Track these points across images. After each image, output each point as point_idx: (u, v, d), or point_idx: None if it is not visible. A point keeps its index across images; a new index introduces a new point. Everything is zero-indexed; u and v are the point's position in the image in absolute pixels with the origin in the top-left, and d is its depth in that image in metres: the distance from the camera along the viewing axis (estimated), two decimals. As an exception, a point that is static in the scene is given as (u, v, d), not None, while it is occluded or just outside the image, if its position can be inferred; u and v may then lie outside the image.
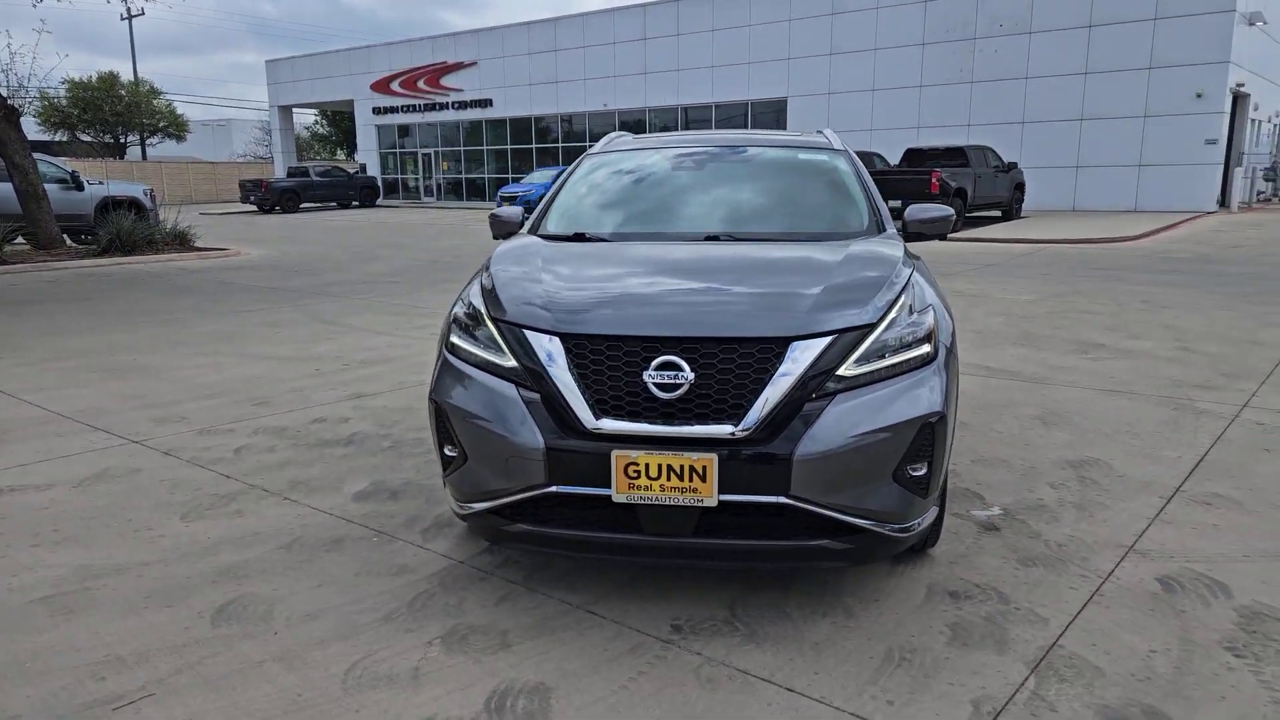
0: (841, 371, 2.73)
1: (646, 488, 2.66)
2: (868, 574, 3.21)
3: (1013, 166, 23.40)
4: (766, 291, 2.96)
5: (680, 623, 2.90)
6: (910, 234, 3.95)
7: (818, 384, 2.69)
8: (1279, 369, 6.41)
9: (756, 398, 2.66)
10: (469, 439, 2.90)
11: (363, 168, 43.16)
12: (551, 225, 4.07)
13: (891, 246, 3.46)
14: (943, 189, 18.68)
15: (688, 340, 2.73)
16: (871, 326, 2.82)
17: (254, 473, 4.42)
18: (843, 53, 29.37)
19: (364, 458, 4.65)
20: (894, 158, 24.71)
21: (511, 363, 2.89)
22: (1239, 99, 26.46)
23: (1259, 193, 29.59)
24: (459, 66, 38.93)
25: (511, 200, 28.26)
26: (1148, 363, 6.72)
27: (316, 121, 56.75)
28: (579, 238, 3.81)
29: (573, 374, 2.77)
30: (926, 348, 2.89)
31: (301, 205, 35.29)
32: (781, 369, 2.68)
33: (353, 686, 2.55)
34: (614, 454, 2.66)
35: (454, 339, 3.13)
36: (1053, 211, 25.87)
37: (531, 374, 2.83)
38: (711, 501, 2.64)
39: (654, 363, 2.71)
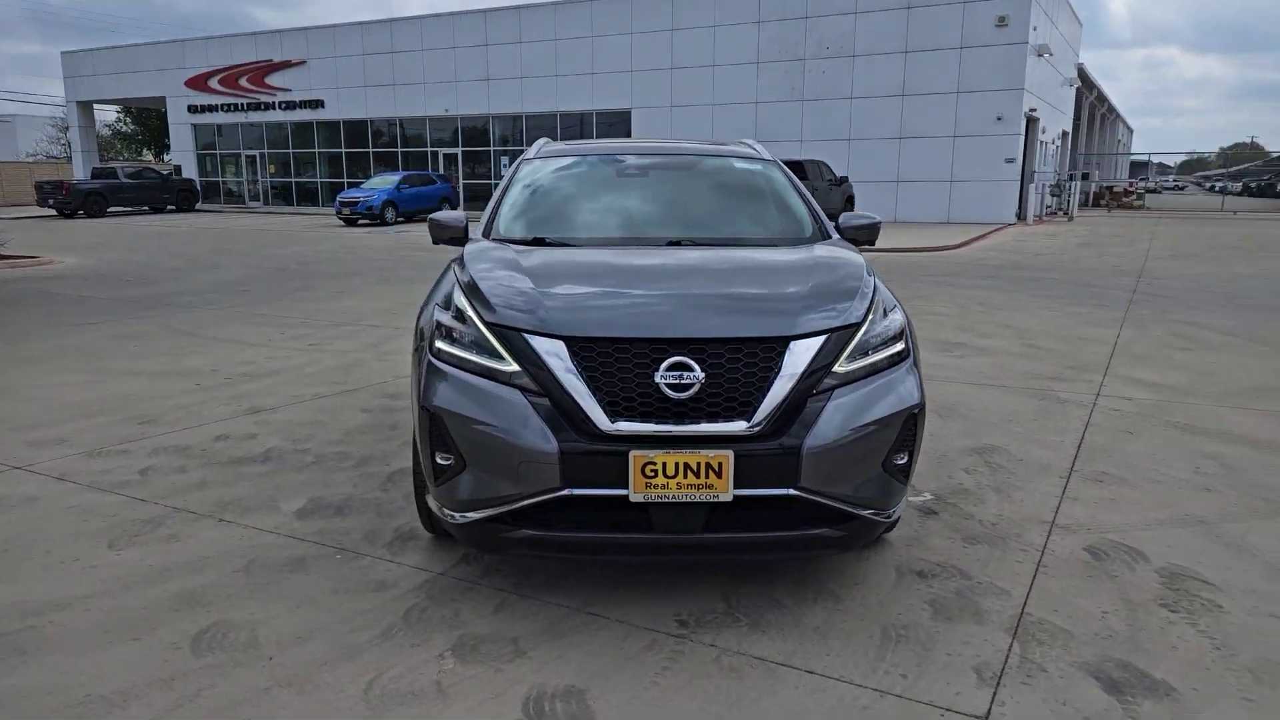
0: (835, 369, 2.90)
1: (663, 486, 2.72)
2: (840, 560, 3.41)
3: (844, 180, 24.86)
4: (762, 293, 3.09)
5: (684, 617, 2.98)
6: (845, 239, 4.20)
7: (816, 380, 2.85)
8: (1113, 362, 7.22)
9: (763, 395, 2.78)
10: (470, 445, 2.85)
11: (177, 169, 40.24)
12: (504, 229, 4.03)
13: (850, 252, 3.68)
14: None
15: (695, 341, 2.81)
16: (857, 326, 3.01)
17: (171, 495, 4.12)
18: (683, 67, 30.22)
19: (289, 474, 4.42)
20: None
21: (513, 366, 2.87)
22: (1031, 122, 29.25)
23: (1047, 206, 32.81)
24: (286, 65, 37.06)
25: (353, 206, 27.21)
26: (1004, 359, 7.39)
27: (119, 119, 52.36)
28: (539, 242, 3.80)
29: (581, 377, 2.79)
30: (900, 345, 3.11)
31: (109, 209, 32.47)
32: (784, 367, 2.82)
33: (378, 706, 2.47)
34: (631, 454, 2.70)
35: (440, 344, 3.07)
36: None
37: (536, 377, 2.83)
38: (727, 496, 2.73)
39: (665, 364, 2.78)
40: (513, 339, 2.91)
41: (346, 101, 36.26)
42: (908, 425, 2.97)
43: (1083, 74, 39.85)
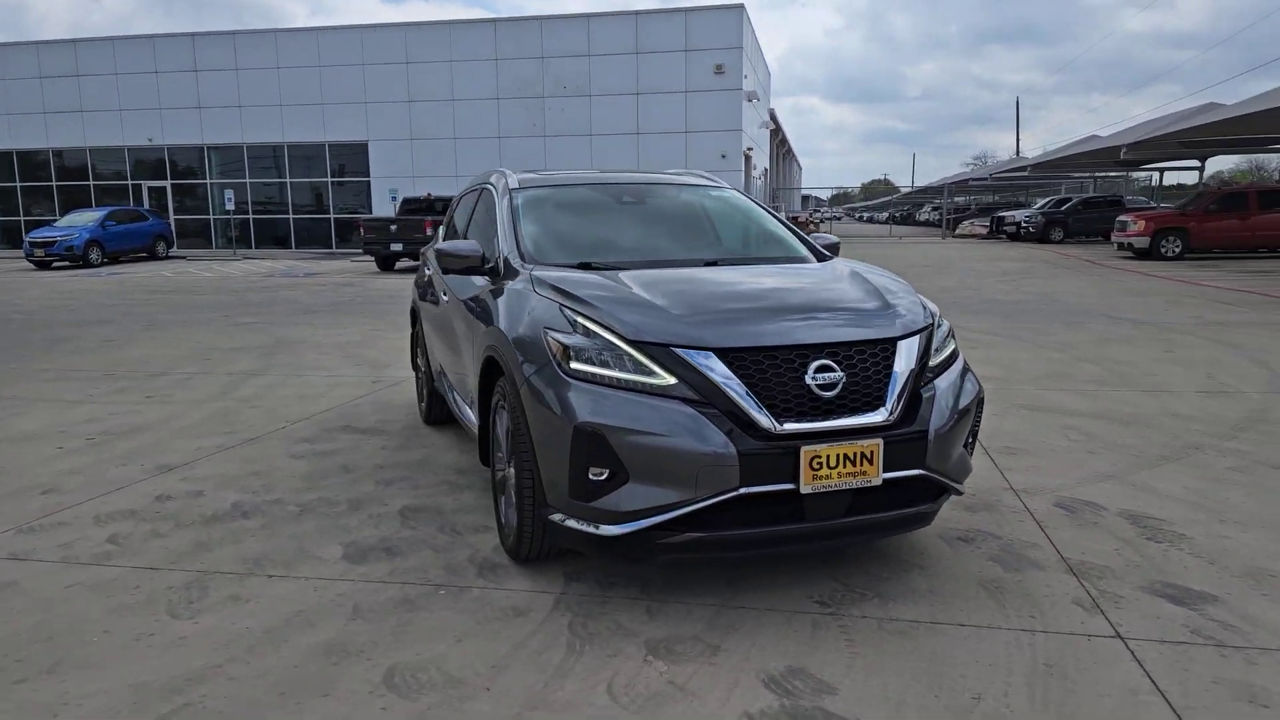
0: (929, 364, 3.37)
1: (827, 476, 3.03)
2: (893, 539, 3.86)
3: (594, 212, 25.91)
4: (863, 301, 3.48)
5: (819, 599, 3.28)
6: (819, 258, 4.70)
7: (920, 374, 3.31)
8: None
9: (890, 388, 3.18)
10: (637, 457, 2.97)
11: None
12: (539, 256, 4.06)
13: (864, 267, 4.19)
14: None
15: (832, 345, 3.16)
16: (932, 326, 3.51)
17: (178, 559, 3.69)
18: (422, 101, 29.88)
19: (288, 525, 4.11)
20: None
21: (669, 380, 3.04)
22: (747, 159, 32.29)
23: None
24: (-63, 87, 31.73)
25: (48, 247, 23.84)
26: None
27: None
28: (585, 267, 3.91)
29: (740, 384, 3.03)
30: (953, 343, 3.66)
31: None
32: (899, 363, 3.24)
33: (642, 709, 2.53)
34: (802, 450, 2.99)
35: (576, 365, 3.14)
36: (623, 253, 29.00)
37: (696, 388, 3.01)
38: (877, 481, 3.10)
39: (812, 366, 3.09)
40: (658, 354, 3.08)
41: (22, 130, 31.72)
42: (979, 409, 3.52)
43: (773, 116, 44.60)
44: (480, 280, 4.27)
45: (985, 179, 45.71)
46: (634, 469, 2.99)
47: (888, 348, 3.26)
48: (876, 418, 3.14)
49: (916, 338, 3.36)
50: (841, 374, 3.13)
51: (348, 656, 2.85)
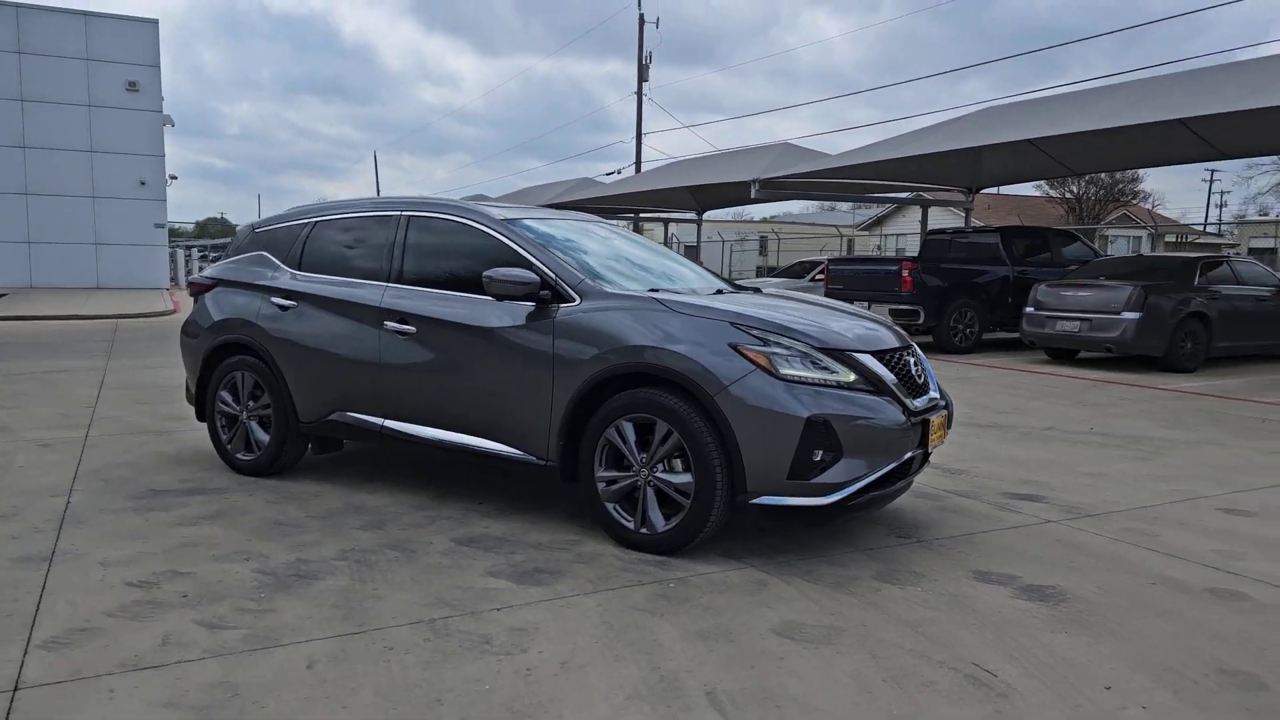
0: None
1: (933, 439, 4.11)
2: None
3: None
4: (865, 314, 4.56)
5: (901, 532, 4.29)
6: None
7: None
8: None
9: (930, 375, 4.39)
10: (852, 437, 3.68)
11: None
12: (610, 286, 4.22)
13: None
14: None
15: (907, 345, 4.26)
16: None
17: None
18: None
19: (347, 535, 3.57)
20: None
21: (852, 376, 3.81)
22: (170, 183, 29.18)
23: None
24: None
25: None
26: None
27: None
28: (654, 291, 4.27)
29: (891, 375, 3.95)
30: None
31: None
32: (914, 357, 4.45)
33: (934, 604, 3.31)
34: (930, 420, 4.03)
35: (786, 370, 3.69)
36: (13, 288, 23.77)
37: (869, 380, 3.85)
38: (942, 444, 4.28)
39: (911, 361, 4.16)
40: (839, 357, 3.84)
41: None
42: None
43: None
44: (506, 309, 4.25)
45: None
46: (848, 447, 3.70)
47: (909, 347, 4.48)
48: (936, 395, 4.33)
49: None
50: (916, 365, 4.26)
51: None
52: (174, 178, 32.13)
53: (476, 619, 3.18)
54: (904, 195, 19.78)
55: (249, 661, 2.83)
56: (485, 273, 4.20)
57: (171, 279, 28.06)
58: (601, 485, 4.02)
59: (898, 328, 4.53)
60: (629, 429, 3.92)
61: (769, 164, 17.77)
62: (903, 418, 3.85)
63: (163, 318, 17.26)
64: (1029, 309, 11.99)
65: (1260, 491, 5.19)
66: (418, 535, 4.13)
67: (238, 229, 5.86)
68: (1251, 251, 39.24)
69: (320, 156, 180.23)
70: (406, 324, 4.57)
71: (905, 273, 12.63)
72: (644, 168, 36.29)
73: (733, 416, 3.67)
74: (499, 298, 4.24)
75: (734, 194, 21.99)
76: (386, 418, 4.70)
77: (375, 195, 5.77)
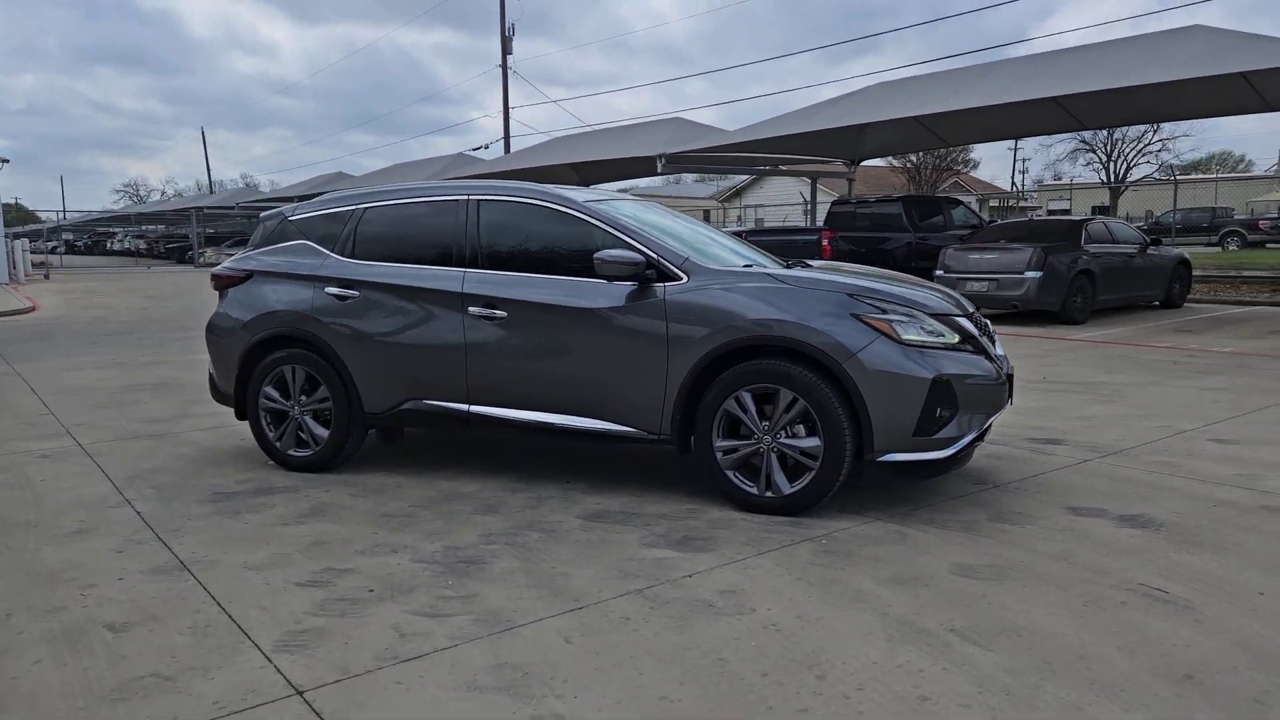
0: None
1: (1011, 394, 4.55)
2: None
3: None
4: (929, 283, 4.94)
5: (976, 480, 4.70)
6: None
7: None
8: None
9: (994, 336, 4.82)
10: (968, 394, 4.04)
11: None
12: (713, 264, 4.40)
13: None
14: None
15: (975, 309, 4.66)
16: None
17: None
18: None
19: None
20: None
21: (957, 338, 4.16)
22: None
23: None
24: None
25: None
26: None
27: None
28: (748, 267, 4.48)
29: (982, 336, 4.34)
30: None
31: None
32: None
33: (1091, 574, 3.74)
34: (1009, 376, 4.45)
35: (909, 335, 4.00)
36: None
37: (970, 341, 4.21)
38: (1008, 394, 4.72)
39: (984, 323, 4.56)
40: (945, 322, 4.18)
41: None
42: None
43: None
44: (606, 289, 4.36)
45: (232, 209, 45.09)
46: (962, 403, 4.06)
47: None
48: (1001, 353, 4.77)
49: None
50: (986, 326, 4.67)
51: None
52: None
53: (677, 586, 3.34)
54: (802, 168, 20.54)
55: (505, 643, 2.89)
56: (597, 254, 4.29)
57: (10, 274, 25.60)
58: (720, 454, 4.22)
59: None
60: (749, 399, 4.13)
61: (669, 138, 18.10)
62: (1000, 374, 4.25)
63: (25, 315, 15.85)
64: (939, 272, 12.89)
65: (1228, 423, 5.96)
66: (541, 516, 4.20)
67: (262, 218, 5.57)
68: (1050, 213, 43.44)
69: (124, 134, 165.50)
70: (495, 308, 4.58)
71: (825, 241, 13.28)
72: (512, 145, 35.94)
73: (861, 382, 3.95)
74: (610, 279, 4.34)
75: (623, 169, 22.21)
76: (472, 403, 4.70)
77: (409, 181, 5.52)
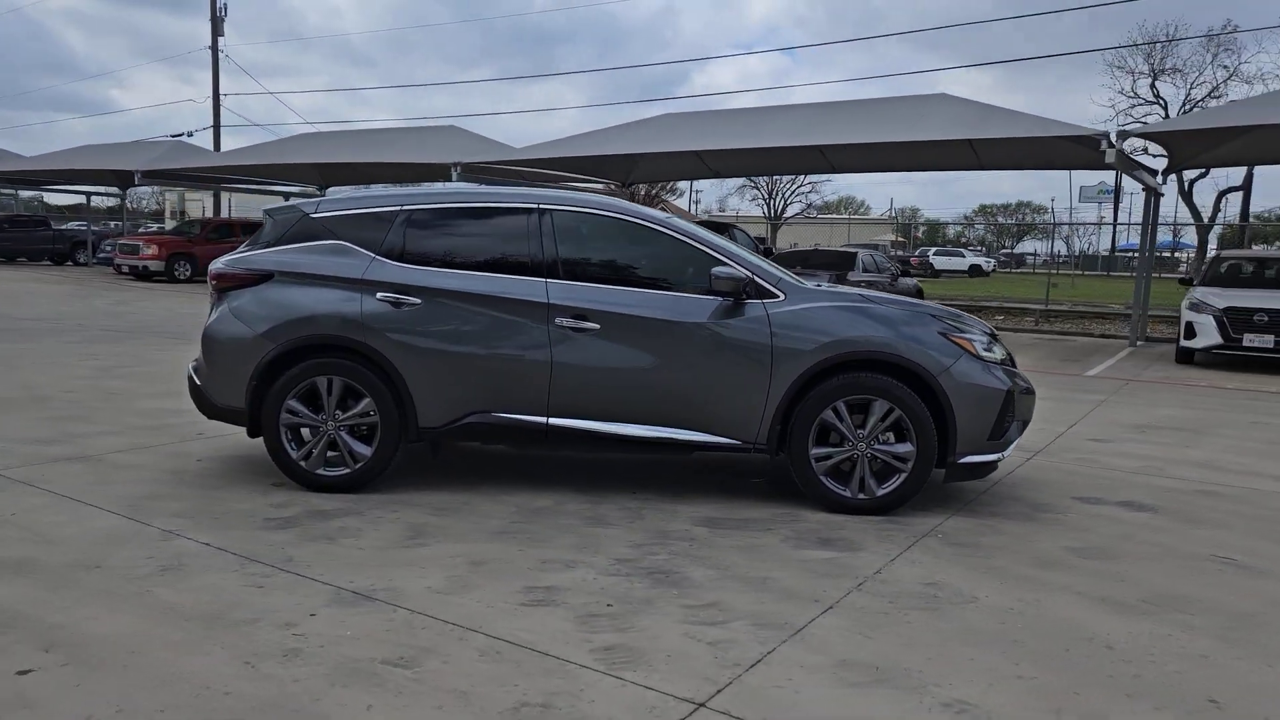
0: None
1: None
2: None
3: None
4: None
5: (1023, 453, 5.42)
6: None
7: None
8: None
9: None
10: (1020, 404, 4.68)
11: None
12: (796, 280, 4.71)
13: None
14: None
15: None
16: None
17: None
18: None
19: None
20: None
21: (1003, 354, 4.78)
22: None
23: None
24: None
25: None
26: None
27: None
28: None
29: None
30: None
31: None
32: None
33: (1159, 550, 4.55)
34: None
35: (986, 354, 4.58)
36: None
37: (1010, 358, 4.89)
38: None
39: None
40: (995, 339, 4.82)
41: None
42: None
43: None
44: (702, 304, 4.53)
45: None
46: (1019, 411, 4.73)
47: None
48: (993, 369, 5.55)
49: None
50: (988, 346, 5.44)
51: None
52: None
53: (884, 582, 3.61)
54: (579, 187, 21.06)
55: (814, 642, 3.02)
56: (713, 270, 4.45)
57: None
58: (815, 461, 4.56)
59: None
60: (844, 409, 4.52)
61: (462, 147, 17.84)
62: (1029, 386, 5.01)
63: None
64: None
65: (1085, 424, 7.31)
66: (659, 526, 4.26)
67: (271, 211, 4.89)
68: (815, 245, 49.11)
69: None
70: (586, 320, 4.55)
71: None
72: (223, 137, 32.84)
73: (952, 393, 4.48)
74: (722, 295, 4.50)
75: (401, 174, 21.32)
76: (552, 415, 4.61)
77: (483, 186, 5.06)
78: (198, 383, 4.81)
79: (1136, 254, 18.11)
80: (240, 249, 4.96)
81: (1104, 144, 11.86)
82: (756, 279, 4.60)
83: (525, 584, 3.45)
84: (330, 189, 26.30)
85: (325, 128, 49.55)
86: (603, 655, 2.87)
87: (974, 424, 4.53)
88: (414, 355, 4.55)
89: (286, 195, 25.97)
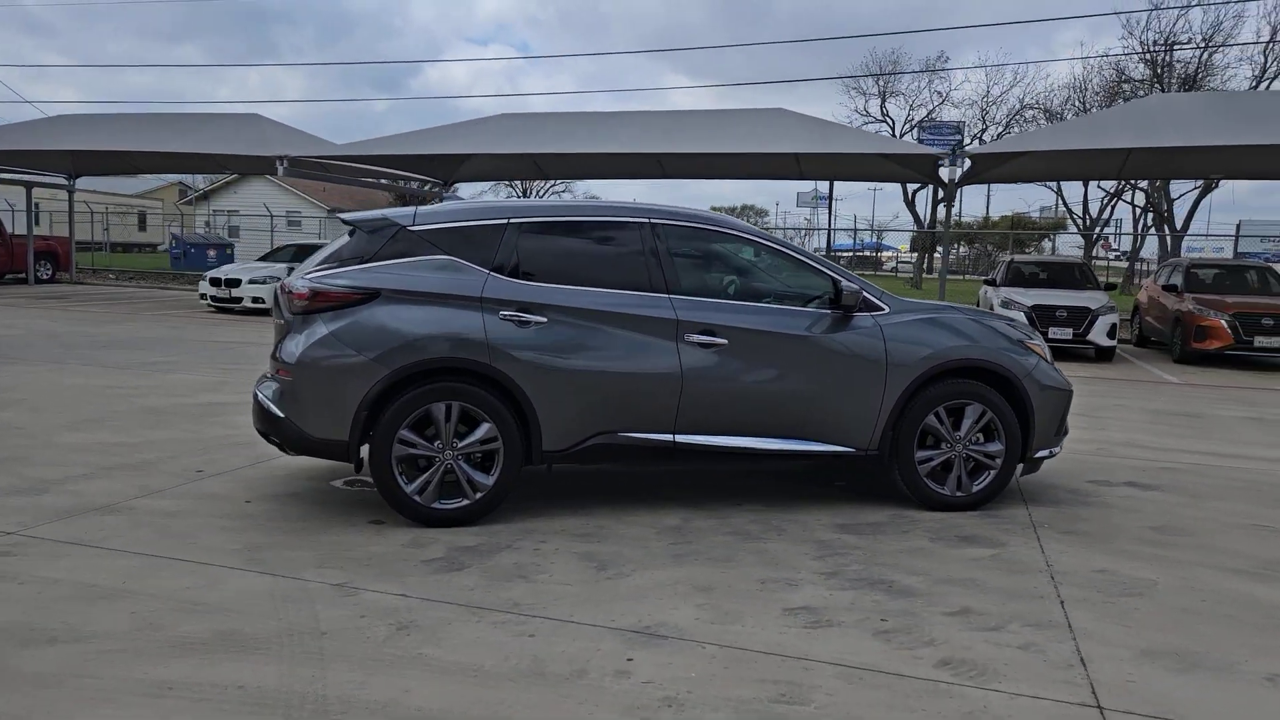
0: None
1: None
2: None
3: None
4: None
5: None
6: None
7: None
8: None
9: None
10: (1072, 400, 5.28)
11: None
12: (888, 294, 4.91)
13: None
14: None
15: None
16: None
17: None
18: None
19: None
20: None
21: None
22: None
23: None
24: None
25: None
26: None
27: None
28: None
29: None
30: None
31: None
32: None
33: (1202, 526, 5.23)
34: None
35: (1048, 356, 5.08)
36: None
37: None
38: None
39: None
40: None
41: None
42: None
43: None
44: (813, 317, 4.67)
45: None
46: (1069, 408, 5.29)
47: None
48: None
49: None
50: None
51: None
52: None
53: (1062, 573, 3.93)
54: (414, 184, 20.07)
55: (1097, 638, 3.27)
56: (843, 284, 4.58)
57: None
58: (918, 463, 4.85)
59: None
60: (944, 413, 4.85)
61: (273, 139, 16.36)
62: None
63: None
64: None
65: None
66: (810, 534, 4.35)
67: (354, 221, 4.25)
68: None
69: None
70: (714, 335, 4.53)
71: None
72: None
73: (1034, 395, 4.92)
74: (845, 309, 4.64)
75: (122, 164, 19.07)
76: (678, 432, 4.55)
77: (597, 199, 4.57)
78: (279, 415, 4.22)
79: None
80: (317, 264, 4.39)
81: (941, 161, 13.25)
82: (864, 292, 4.79)
83: (780, 607, 3.42)
84: (81, 178, 23.14)
85: None
86: (951, 670, 2.94)
87: (1048, 422, 5.01)
88: (541, 375, 4.30)
89: (29, 185, 22.43)
